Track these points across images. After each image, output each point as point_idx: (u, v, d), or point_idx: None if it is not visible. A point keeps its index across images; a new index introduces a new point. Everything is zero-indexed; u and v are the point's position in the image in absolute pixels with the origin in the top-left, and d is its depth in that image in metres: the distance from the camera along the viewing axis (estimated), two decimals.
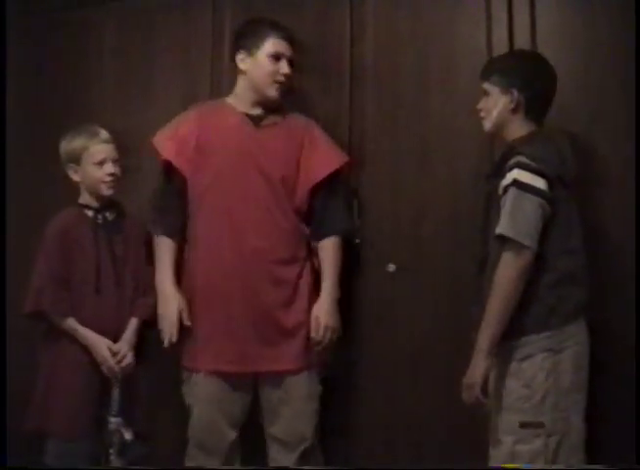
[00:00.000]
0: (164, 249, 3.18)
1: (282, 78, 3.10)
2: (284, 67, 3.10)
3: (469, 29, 3.14)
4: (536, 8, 3.02)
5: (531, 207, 2.44)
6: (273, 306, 3.05)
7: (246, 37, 3.14)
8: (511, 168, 2.49)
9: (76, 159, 3.18)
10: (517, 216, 2.44)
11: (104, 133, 3.22)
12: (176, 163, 3.13)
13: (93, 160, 3.16)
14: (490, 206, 2.62)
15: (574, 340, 2.51)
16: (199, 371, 3.07)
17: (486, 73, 2.71)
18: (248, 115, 3.15)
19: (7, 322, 3.55)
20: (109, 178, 3.17)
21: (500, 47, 3.00)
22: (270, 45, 3.09)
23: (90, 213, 3.21)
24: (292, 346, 3.06)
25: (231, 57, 3.21)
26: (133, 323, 3.17)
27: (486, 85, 2.70)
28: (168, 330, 3.08)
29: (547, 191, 2.46)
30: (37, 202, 3.76)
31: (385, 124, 3.26)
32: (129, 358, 3.11)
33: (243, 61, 3.13)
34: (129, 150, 3.51)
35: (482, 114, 2.72)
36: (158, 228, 3.20)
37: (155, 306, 3.15)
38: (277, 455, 3.09)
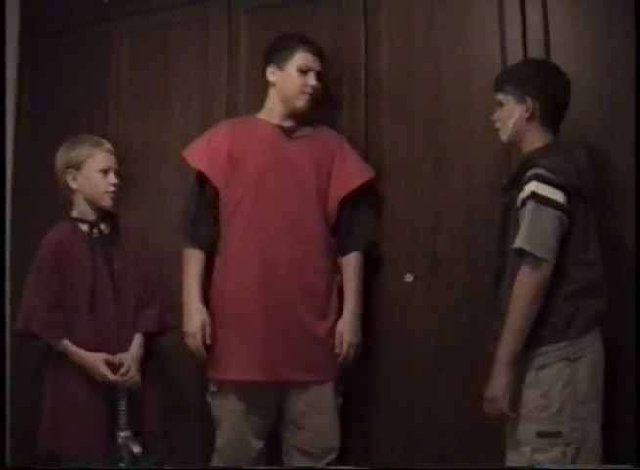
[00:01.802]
0: (193, 262, 3.19)
1: (310, 90, 3.16)
2: (311, 79, 3.16)
3: (482, 40, 3.16)
4: (549, 18, 3.03)
5: (549, 220, 2.45)
6: (306, 317, 3.07)
7: (276, 51, 3.21)
8: (529, 181, 2.49)
9: (78, 165, 3.07)
10: (535, 230, 2.45)
11: (107, 143, 3.15)
12: (209, 174, 3.17)
13: (98, 166, 3.06)
14: (507, 217, 2.62)
15: (590, 349, 2.51)
16: (228, 382, 3.08)
17: (500, 84, 2.73)
18: (279, 127, 3.20)
19: (7, 320, 3.56)
20: (112, 188, 3.07)
21: (514, 57, 3.01)
22: (298, 58, 3.16)
23: (85, 228, 3.09)
24: (321, 356, 3.08)
25: (263, 71, 3.25)
26: (137, 338, 3.09)
27: (500, 96, 2.71)
28: (194, 347, 3.12)
29: (565, 204, 2.47)
30: (44, 210, 3.75)
31: (400, 136, 3.28)
32: (133, 372, 3.01)
33: (273, 73, 3.20)
34: (147, 164, 3.56)
35: (498, 125, 2.74)
36: (189, 240, 3.20)
37: (159, 317, 3.13)
38: (300, 465, 3.10)
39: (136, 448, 2.92)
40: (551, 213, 2.44)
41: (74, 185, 3.10)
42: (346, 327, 3.10)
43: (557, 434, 2.44)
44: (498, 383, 2.51)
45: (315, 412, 3.09)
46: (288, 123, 3.21)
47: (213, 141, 3.22)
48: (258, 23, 3.56)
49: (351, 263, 3.18)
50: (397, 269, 3.22)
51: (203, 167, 3.19)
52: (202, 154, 3.21)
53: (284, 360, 3.04)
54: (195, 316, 3.12)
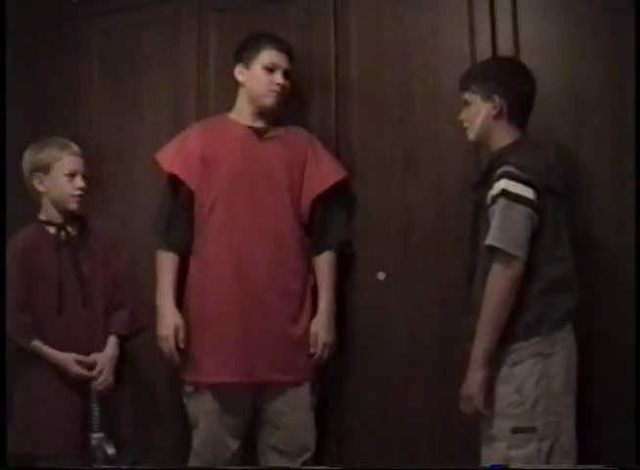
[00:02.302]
0: (167, 265, 3.18)
1: (277, 88, 3.15)
2: (278, 77, 3.15)
3: (452, 39, 3.17)
4: (518, 16, 3.05)
5: (520, 217, 2.45)
6: (282, 317, 3.07)
7: (244, 50, 3.21)
8: (498, 178, 2.50)
9: (45, 168, 3.06)
10: (506, 227, 2.45)
11: (75, 146, 3.13)
12: (183, 176, 3.16)
13: (65, 170, 3.06)
14: (478, 215, 2.63)
15: (563, 344, 2.52)
16: (205, 384, 3.07)
17: (465, 83, 2.73)
18: (251, 127, 3.19)
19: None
20: (78, 192, 3.07)
21: (483, 56, 3.02)
22: (264, 57, 3.15)
23: (52, 230, 3.09)
24: (297, 357, 3.09)
25: (229, 71, 3.25)
26: (112, 339, 3.09)
27: (467, 95, 2.72)
28: (167, 350, 3.11)
29: (535, 200, 2.47)
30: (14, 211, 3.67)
31: (370, 135, 3.29)
32: (106, 373, 3.02)
33: (240, 73, 3.20)
34: (119, 164, 3.54)
35: (466, 124, 2.74)
36: (163, 243, 3.20)
37: (130, 319, 3.12)
38: (276, 464, 3.10)
39: (110, 450, 2.92)
40: (522, 211, 2.45)
41: (41, 188, 3.10)
42: (321, 327, 3.11)
43: (531, 429, 2.45)
44: (473, 381, 2.51)
45: (292, 411, 3.09)
46: (258, 124, 3.21)
47: (186, 143, 3.21)
48: (228, 22, 3.55)
49: (325, 263, 3.18)
50: (369, 267, 3.22)
51: (176, 170, 3.18)
52: (174, 156, 3.20)
53: (261, 361, 3.04)
54: (168, 320, 3.11)
